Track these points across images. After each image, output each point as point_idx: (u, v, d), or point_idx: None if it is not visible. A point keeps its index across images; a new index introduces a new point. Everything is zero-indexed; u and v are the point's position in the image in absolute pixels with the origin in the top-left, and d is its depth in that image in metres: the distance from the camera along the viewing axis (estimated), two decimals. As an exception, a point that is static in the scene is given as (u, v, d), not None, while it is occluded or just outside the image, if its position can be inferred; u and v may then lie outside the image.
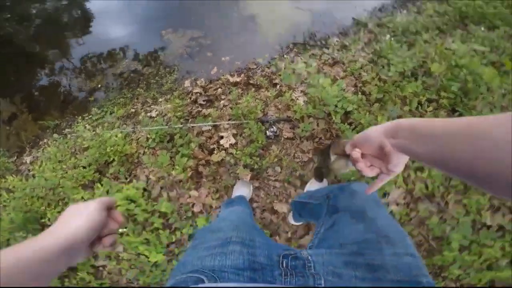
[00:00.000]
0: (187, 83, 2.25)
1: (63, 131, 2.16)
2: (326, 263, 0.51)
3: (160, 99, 2.18)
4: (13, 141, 2.29)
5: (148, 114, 2.07)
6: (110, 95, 2.38)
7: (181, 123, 1.89)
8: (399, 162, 0.44)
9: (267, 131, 1.82)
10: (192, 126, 1.82)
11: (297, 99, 1.95)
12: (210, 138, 1.84)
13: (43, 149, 2.00)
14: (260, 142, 1.78)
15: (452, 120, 0.34)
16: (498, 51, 1.98)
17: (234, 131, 1.86)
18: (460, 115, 1.67)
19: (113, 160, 1.70)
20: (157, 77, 2.39)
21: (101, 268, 1.48)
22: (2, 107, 2.51)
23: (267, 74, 2.15)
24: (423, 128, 0.37)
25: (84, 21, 3.11)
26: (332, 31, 2.56)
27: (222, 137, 1.83)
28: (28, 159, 2.01)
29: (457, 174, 0.34)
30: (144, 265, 1.40)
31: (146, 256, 1.40)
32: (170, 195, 1.65)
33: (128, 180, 1.68)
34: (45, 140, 2.12)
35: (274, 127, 1.85)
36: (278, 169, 1.72)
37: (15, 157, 2.11)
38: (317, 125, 1.81)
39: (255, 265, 0.49)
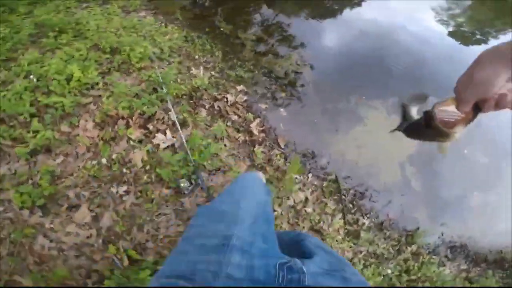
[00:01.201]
0: (241, 87, 2.02)
1: (170, 23, 2.45)
2: (315, 275, 0.54)
3: (213, 72, 2.08)
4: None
5: (192, 68, 2.03)
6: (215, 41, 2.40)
7: (179, 95, 1.75)
8: None
9: (183, 181, 1.42)
10: (171, 106, 1.64)
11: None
12: (163, 122, 1.63)
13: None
14: (167, 178, 1.43)
15: None
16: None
17: (176, 146, 1.56)
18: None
19: (115, 55, 1.82)
20: (253, 62, 2.24)
21: None
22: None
23: (274, 162, 1.62)
24: None
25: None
26: (388, 212, 1.67)
27: (165, 134, 1.58)
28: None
29: None
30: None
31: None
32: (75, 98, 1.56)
33: (97, 73, 1.70)
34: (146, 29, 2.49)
35: (191, 190, 1.43)
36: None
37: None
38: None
39: (252, 282, 0.48)
